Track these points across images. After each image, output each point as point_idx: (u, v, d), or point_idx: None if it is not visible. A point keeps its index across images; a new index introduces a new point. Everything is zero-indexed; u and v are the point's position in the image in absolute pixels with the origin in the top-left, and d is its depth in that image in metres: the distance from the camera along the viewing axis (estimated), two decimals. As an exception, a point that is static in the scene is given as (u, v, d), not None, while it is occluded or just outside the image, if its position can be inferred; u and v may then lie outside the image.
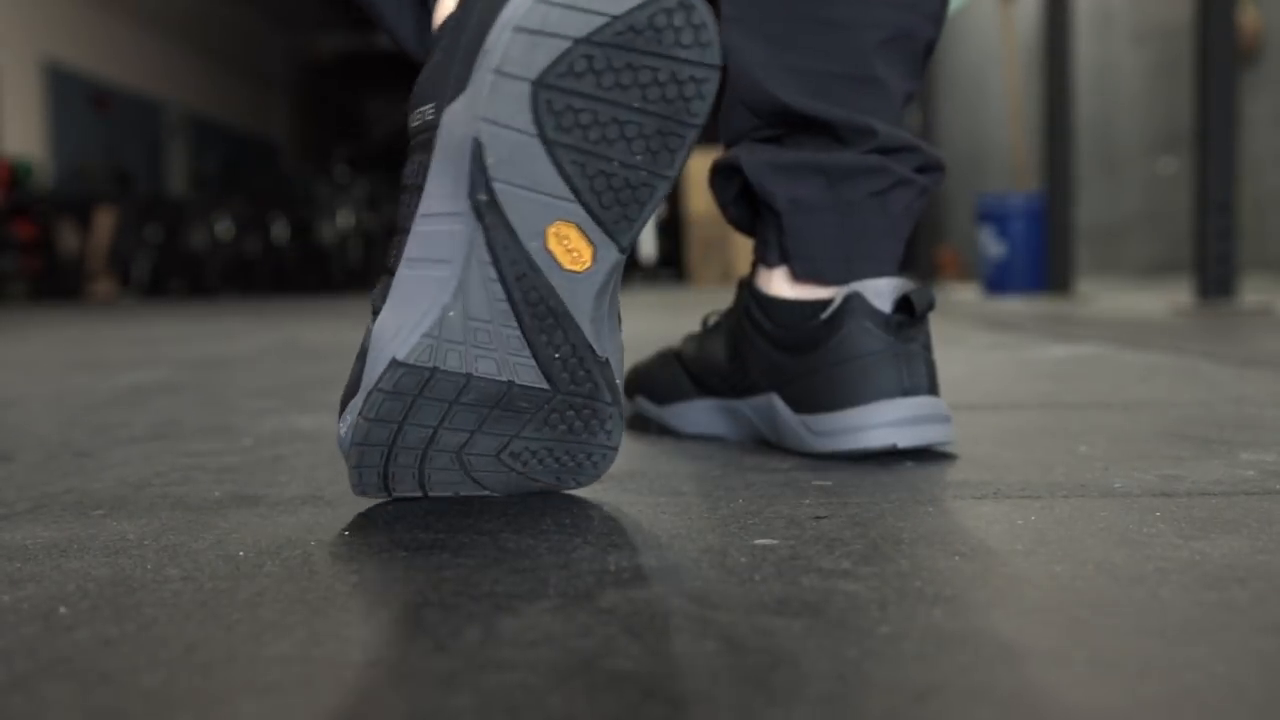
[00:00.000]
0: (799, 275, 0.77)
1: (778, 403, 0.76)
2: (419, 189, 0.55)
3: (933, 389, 0.73)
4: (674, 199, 8.74)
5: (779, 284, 0.78)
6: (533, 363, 0.55)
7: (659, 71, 0.51)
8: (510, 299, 0.54)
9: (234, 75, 12.59)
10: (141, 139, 10.64)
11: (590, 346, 0.56)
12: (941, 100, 6.65)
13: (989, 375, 1.34)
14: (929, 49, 0.80)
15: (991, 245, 4.46)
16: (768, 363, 0.77)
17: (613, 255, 0.55)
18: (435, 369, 0.54)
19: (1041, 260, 4.30)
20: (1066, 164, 4.24)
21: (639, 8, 0.50)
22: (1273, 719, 0.30)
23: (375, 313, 0.57)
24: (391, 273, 0.56)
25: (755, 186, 0.78)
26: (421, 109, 0.56)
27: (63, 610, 0.42)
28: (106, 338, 2.76)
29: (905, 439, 0.71)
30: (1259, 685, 0.32)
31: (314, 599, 0.43)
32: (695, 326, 0.91)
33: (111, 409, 1.14)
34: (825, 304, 0.74)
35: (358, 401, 0.55)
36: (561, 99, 0.51)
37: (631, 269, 8.87)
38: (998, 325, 2.38)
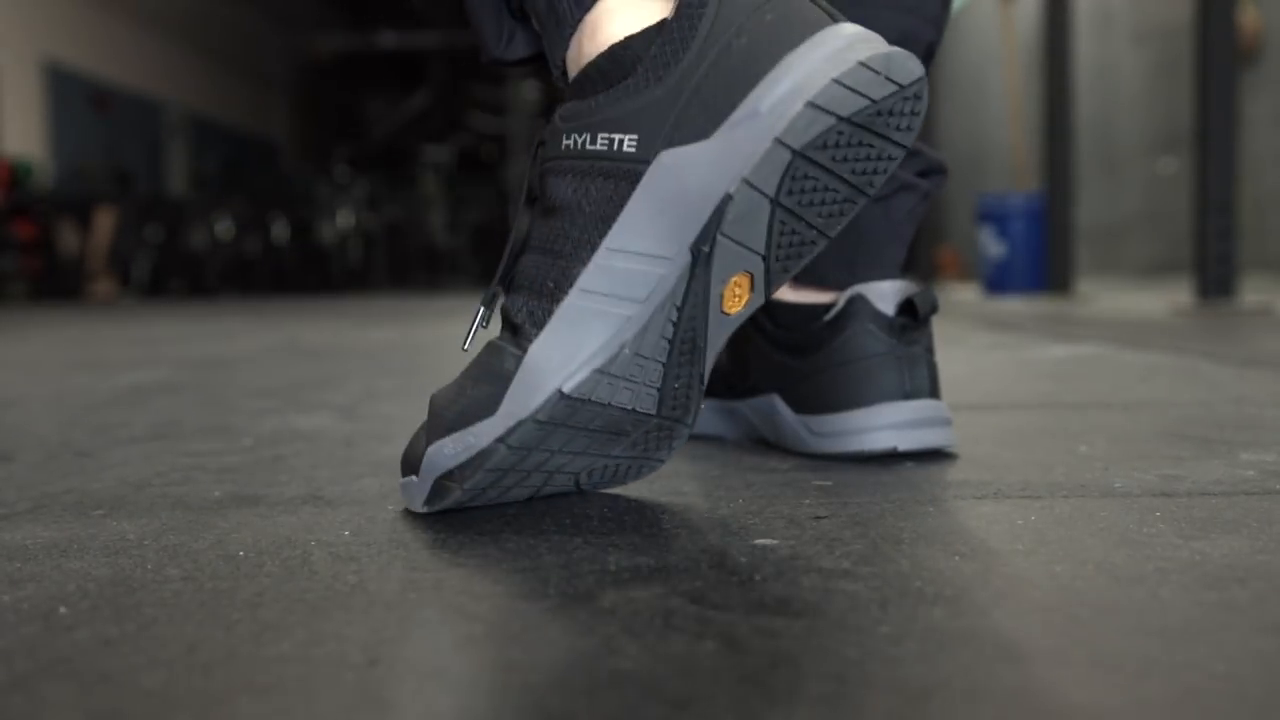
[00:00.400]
0: (800, 280, 0.77)
1: (779, 403, 0.76)
2: (604, 219, 0.54)
3: (934, 392, 0.73)
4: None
5: (781, 288, 0.78)
6: (658, 392, 0.55)
7: (874, 149, 0.53)
8: (672, 338, 0.54)
9: (234, 75, 12.60)
10: (141, 139, 10.64)
11: (702, 377, 0.57)
12: (942, 101, 6.65)
13: (989, 375, 1.34)
14: (930, 53, 0.80)
15: (991, 245, 4.46)
16: (769, 364, 0.77)
17: (759, 301, 0.57)
18: (587, 401, 0.53)
19: (1041, 260, 4.30)
20: (1066, 164, 4.24)
21: (893, 95, 0.52)
22: (1273, 719, 0.30)
23: (516, 331, 0.55)
24: (549, 297, 0.54)
25: None
26: (608, 135, 0.54)
27: (63, 610, 0.42)
28: (106, 338, 2.76)
29: (906, 442, 0.71)
30: (1259, 685, 0.32)
31: (314, 599, 0.43)
32: None
33: (111, 409, 1.14)
34: (828, 306, 0.74)
35: (493, 427, 0.53)
36: (805, 168, 0.52)
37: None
38: (998, 325, 2.38)
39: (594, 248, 0.54)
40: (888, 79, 0.51)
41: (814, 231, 0.56)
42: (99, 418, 1.07)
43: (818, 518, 0.56)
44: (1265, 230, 5.09)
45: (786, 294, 0.78)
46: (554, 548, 0.51)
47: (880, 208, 0.77)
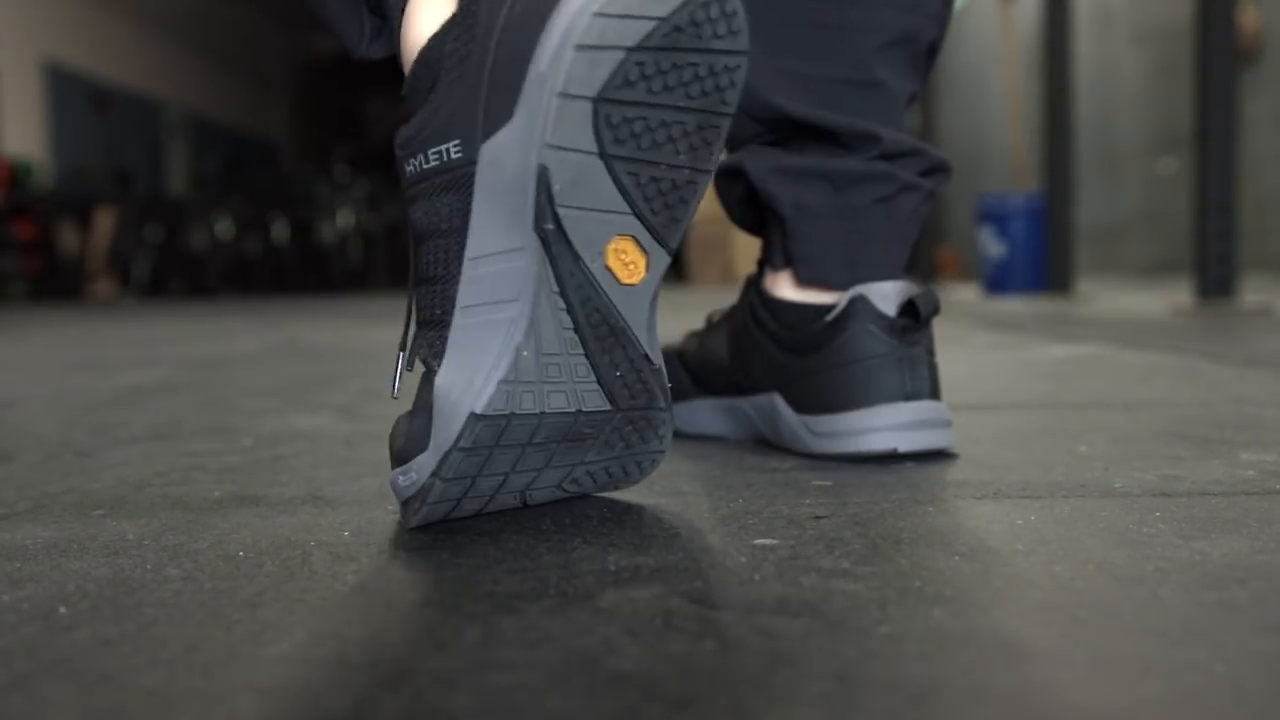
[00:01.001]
0: (803, 280, 0.77)
1: (779, 402, 0.76)
2: (458, 232, 0.53)
3: (935, 393, 0.74)
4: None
5: (784, 286, 0.78)
6: (597, 386, 0.54)
7: (699, 67, 0.51)
8: (576, 326, 0.53)
9: (234, 75, 12.60)
10: (141, 139, 10.64)
11: (646, 356, 0.55)
12: (942, 100, 6.65)
13: (989, 375, 1.34)
14: (932, 50, 0.80)
15: (991, 245, 4.46)
16: (771, 362, 0.77)
17: (664, 261, 0.55)
18: (512, 415, 0.52)
19: (1041, 260, 4.30)
20: (1066, 164, 4.24)
21: (681, 6, 0.50)
22: (1273, 719, 0.30)
23: (427, 368, 0.55)
24: (439, 324, 0.54)
25: (760, 191, 0.78)
26: (436, 148, 0.53)
27: (63, 610, 0.42)
28: (106, 338, 2.76)
29: (906, 443, 0.71)
30: (1259, 685, 0.32)
31: (314, 599, 0.43)
32: (698, 325, 0.91)
33: (111, 409, 1.14)
34: (829, 307, 0.74)
35: (428, 461, 0.53)
36: (618, 111, 0.50)
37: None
38: (998, 325, 2.38)
39: (459, 262, 0.53)
40: None
41: (682, 171, 0.53)
42: (99, 418, 1.07)
43: (818, 518, 0.56)
44: (1265, 230, 5.09)
45: (788, 293, 0.78)
46: (554, 548, 0.51)
47: (883, 208, 0.77)
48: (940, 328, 1.04)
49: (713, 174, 0.54)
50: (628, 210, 0.52)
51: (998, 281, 4.43)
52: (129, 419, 1.05)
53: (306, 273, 9.29)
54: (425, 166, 0.53)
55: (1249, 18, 4.95)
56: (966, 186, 7.61)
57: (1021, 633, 0.38)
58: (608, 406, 0.55)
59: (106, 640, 0.39)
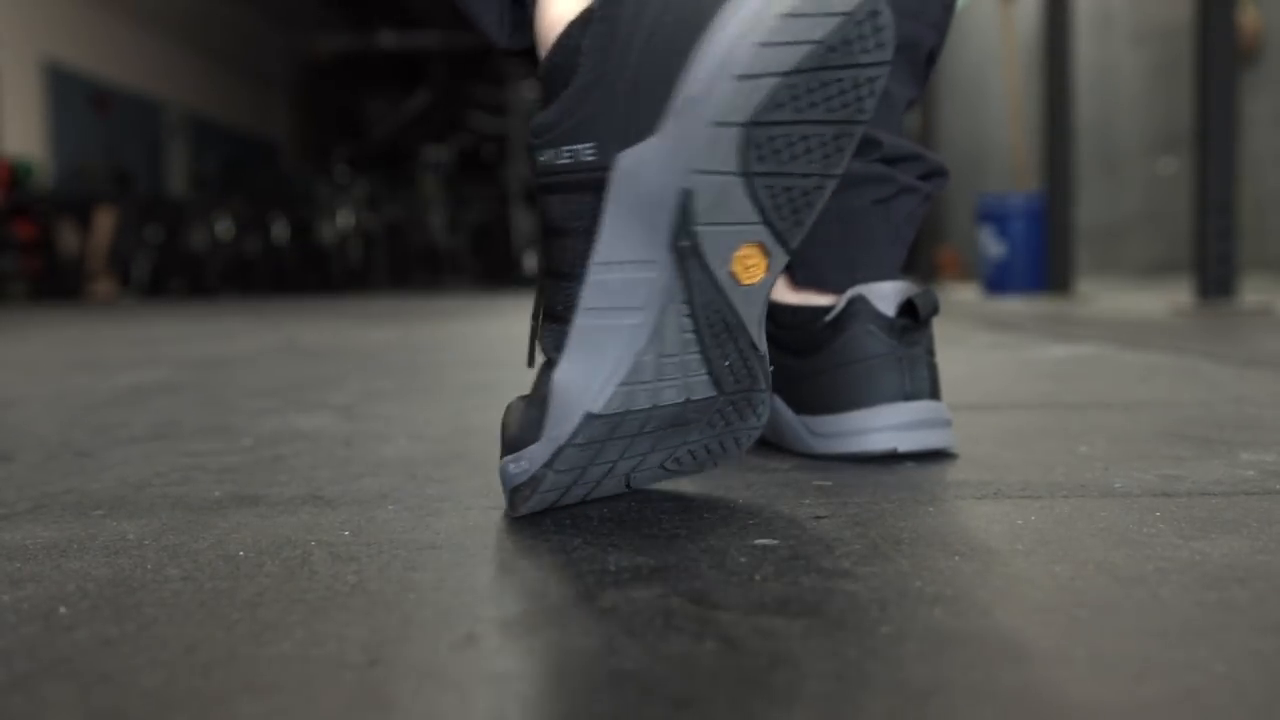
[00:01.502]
0: (800, 282, 0.77)
1: (779, 404, 0.76)
2: (587, 233, 0.53)
3: (935, 393, 0.74)
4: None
5: (781, 288, 0.78)
6: (707, 376, 0.54)
7: (844, 81, 0.50)
8: (697, 328, 0.53)
9: (234, 75, 12.60)
10: (141, 139, 10.64)
11: (754, 345, 0.56)
12: (942, 101, 6.65)
13: (989, 375, 1.34)
14: (931, 58, 0.80)
15: (991, 245, 4.46)
16: (770, 364, 0.77)
17: (783, 259, 0.55)
18: (626, 412, 0.53)
19: (1041, 260, 4.30)
20: (1066, 164, 4.24)
21: (840, 27, 0.48)
22: (1273, 719, 0.30)
23: (548, 360, 0.55)
24: (562, 320, 0.54)
25: None
26: (570, 147, 0.52)
27: (63, 610, 0.42)
28: (106, 338, 2.76)
29: (906, 443, 0.71)
30: (1259, 685, 0.32)
31: (314, 599, 0.43)
32: None
33: (111, 409, 1.14)
34: (828, 308, 0.74)
35: (540, 452, 0.54)
36: (764, 132, 0.50)
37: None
38: (998, 325, 2.38)
39: (585, 263, 0.53)
40: (826, 15, 0.48)
41: (813, 179, 0.53)
42: (99, 418, 1.07)
43: (818, 518, 0.56)
44: (1265, 230, 5.09)
45: (787, 295, 0.78)
46: (554, 548, 0.51)
47: (881, 210, 0.77)
48: (940, 328, 1.04)
49: (840, 178, 0.54)
50: (759, 220, 0.52)
51: (998, 281, 4.43)
52: (129, 419, 1.05)
53: (306, 273, 9.29)
54: (557, 162, 0.53)
55: (1249, 18, 4.95)
56: (966, 186, 7.61)
57: (1022, 632, 0.38)
58: (714, 393, 0.55)
59: (106, 640, 0.39)
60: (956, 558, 0.47)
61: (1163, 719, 0.31)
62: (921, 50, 0.79)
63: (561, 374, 0.53)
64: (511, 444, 0.56)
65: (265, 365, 1.73)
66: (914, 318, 0.73)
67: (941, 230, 6.54)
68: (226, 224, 8.93)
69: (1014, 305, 3.54)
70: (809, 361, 0.74)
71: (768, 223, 0.53)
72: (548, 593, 0.43)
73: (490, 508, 0.60)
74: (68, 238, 7.82)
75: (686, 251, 0.51)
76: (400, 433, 0.90)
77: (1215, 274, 2.89)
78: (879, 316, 0.72)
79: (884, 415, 0.71)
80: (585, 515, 0.57)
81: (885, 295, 0.73)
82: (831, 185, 0.54)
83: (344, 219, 9.59)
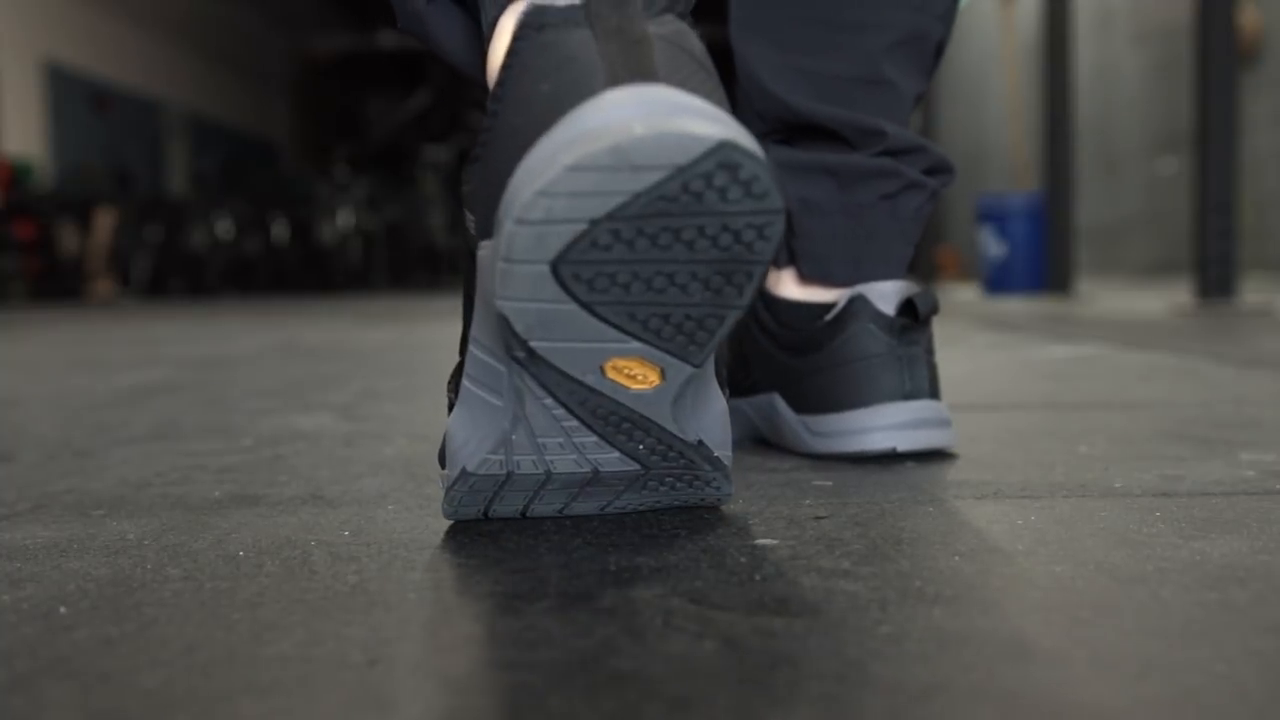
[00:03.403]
0: (806, 276, 0.77)
1: (779, 403, 0.76)
2: (470, 301, 0.51)
3: (934, 393, 0.73)
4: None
5: (787, 285, 0.78)
6: (616, 454, 0.51)
7: (706, 226, 0.43)
8: (578, 417, 0.49)
9: (234, 75, 12.60)
10: (141, 139, 10.64)
11: (677, 437, 0.51)
12: (942, 100, 6.65)
13: (989, 375, 1.34)
14: (939, 49, 0.80)
15: (991, 245, 4.46)
16: (770, 362, 0.77)
17: (685, 371, 0.48)
18: (510, 474, 0.51)
19: (1041, 260, 4.31)
20: (1066, 164, 4.24)
21: (667, 180, 0.41)
22: (1273, 719, 0.30)
23: (449, 402, 0.53)
24: (459, 372, 0.52)
25: None
26: (469, 213, 0.49)
27: (63, 610, 0.42)
28: (106, 338, 2.76)
29: (905, 443, 0.71)
30: (1259, 685, 0.32)
31: (314, 599, 0.43)
32: None
33: (111, 409, 1.14)
34: (829, 306, 0.74)
35: (448, 479, 0.53)
36: (590, 269, 0.43)
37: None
38: (998, 325, 2.38)
39: (468, 330, 0.51)
40: (640, 169, 0.41)
41: (694, 308, 0.46)
42: (99, 418, 1.07)
43: (818, 518, 0.56)
44: (1265, 230, 5.09)
45: (790, 291, 0.78)
46: (554, 548, 0.51)
47: (888, 205, 0.77)
48: (940, 328, 1.04)
49: (749, 306, 0.48)
50: (625, 339, 0.46)
51: (998, 281, 4.44)
52: (129, 419, 1.05)
53: (306, 273, 9.29)
54: (467, 222, 0.50)
55: (1249, 18, 4.95)
56: (966, 186, 7.61)
57: (1021, 633, 0.38)
58: (635, 467, 0.52)
59: (106, 640, 0.39)
60: (956, 558, 0.47)
61: (1163, 719, 0.31)
62: (929, 42, 0.79)
63: (452, 421, 0.52)
64: (440, 456, 0.54)
65: (265, 365, 1.73)
66: (914, 317, 0.73)
67: (941, 230, 6.54)
68: (226, 224, 8.93)
69: (1014, 305, 3.54)
70: (809, 360, 0.74)
71: (644, 341, 0.47)
72: (547, 592, 0.43)
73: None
74: (68, 238, 7.82)
75: (526, 360, 0.47)
76: (400, 433, 0.90)
77: (1215, 274, 2.89)
78: (879, 315, 0.72)
79: (883, 415, 0.71)
80: (585, 515, 0.57)
81: (885, 294, 0.73)
82: (736, 314, 0.47)
83: (344, 219, 9.59)
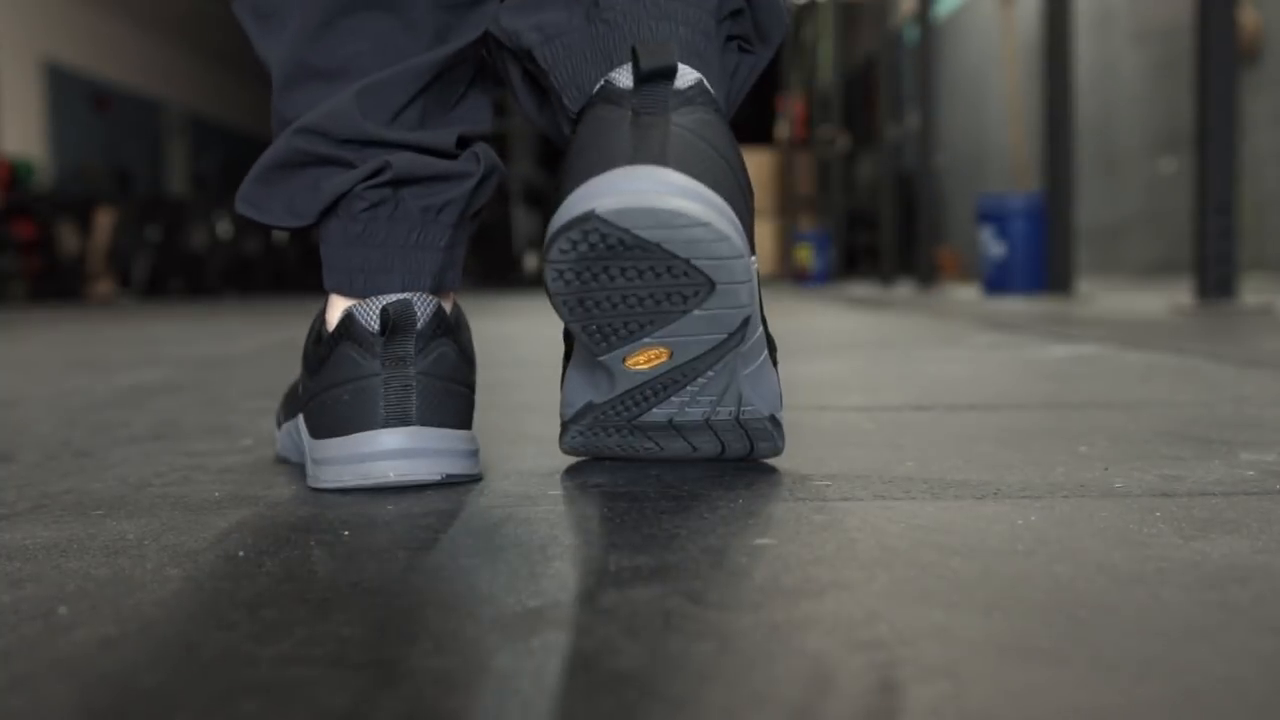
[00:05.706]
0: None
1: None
2: None
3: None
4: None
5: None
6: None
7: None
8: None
9: (234, 75, 12.60)
10: (141, 139, 10.64)
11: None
12: (942, 101, 6.65)
13: (989, 375, 1.34)
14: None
15: (991, 245, 4.46)
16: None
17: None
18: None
19: (1041, 260, 4.30)
20: (1066, 164, 4.24)
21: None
22: (1273, 719, 0.30)
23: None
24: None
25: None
26: None
27: (63, 610, 0.42)
28: (106, 338, 2.76)
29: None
30: (1259, 685, 0.32)
31: (314, 599, 0.43)
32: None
33: (111, 409, 1.14)
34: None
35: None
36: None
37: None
38: (998, 325, 2.38)
39: None
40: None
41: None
42: (99, 418, 1.07)
43: (818, 517, 0.56)
44: (1265, 230, 5.09)
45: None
46: (554, 548, 0.51)
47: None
48: (940, 328, 1.04)
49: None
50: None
51: (998, 281, 4.43)
52: (129, 419, 1.05)
53: (306, 273, 9.29)
54: None
55: (1249, 18, 4.95)
56: (966, 186, 7.61)
57: (1022, 633, 0.38)
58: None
59: (106, 640, 0.39)
60: (956, 558, 0.47)
61: (1162, 719, 0.31)
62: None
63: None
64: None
65: (265, 365, 1.73)
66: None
67: (941, 230, 6.54)
68: (226, 224, 8.93)
69: (1014, 305, 3.54)
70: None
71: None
72: (547, 593, 0.43)
73: (490, 508, 0.60)
74: (67, 238, 7.82)
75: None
76: (400, 433, 0.90)
77: (1215, 274, 2.89)
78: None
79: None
80: (585, 515, 0.57)
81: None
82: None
83: (344, 219, 9.58)
